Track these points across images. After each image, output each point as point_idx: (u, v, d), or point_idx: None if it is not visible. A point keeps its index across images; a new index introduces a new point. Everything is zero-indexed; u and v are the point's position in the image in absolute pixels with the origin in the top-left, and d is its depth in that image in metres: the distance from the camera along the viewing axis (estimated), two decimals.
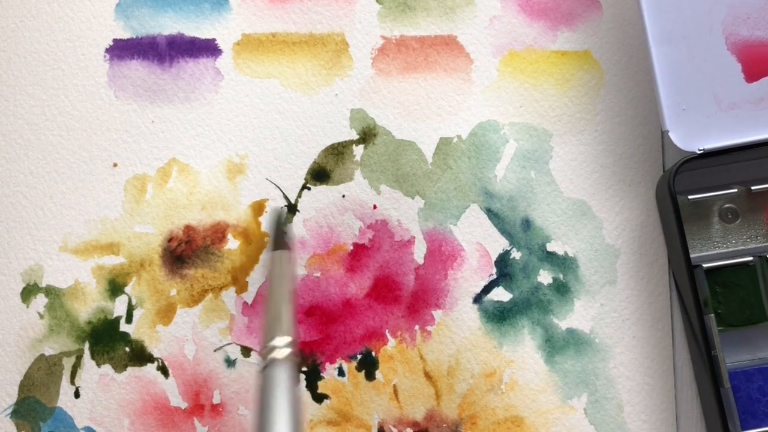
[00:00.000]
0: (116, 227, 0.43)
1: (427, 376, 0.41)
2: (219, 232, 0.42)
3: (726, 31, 0.39)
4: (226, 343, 0.42)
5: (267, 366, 0.34)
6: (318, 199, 0.43)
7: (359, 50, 0.44)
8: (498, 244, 0.42)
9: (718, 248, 0.41)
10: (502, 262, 0.42)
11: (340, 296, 0.42)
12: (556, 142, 0.43)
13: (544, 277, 0.42)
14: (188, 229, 0.42)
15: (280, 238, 0.40)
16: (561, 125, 0.43)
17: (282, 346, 0.34)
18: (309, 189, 0.43)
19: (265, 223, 0.42)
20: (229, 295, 0.42)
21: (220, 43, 0.44)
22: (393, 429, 0.41)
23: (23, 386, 0.42)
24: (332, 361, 0.41)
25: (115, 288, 0.42)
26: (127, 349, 0.42)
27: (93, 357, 0.42)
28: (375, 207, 0.42)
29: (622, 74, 0.43)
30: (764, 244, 0.41)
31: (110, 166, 0.43)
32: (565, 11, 0.44)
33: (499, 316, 0.42)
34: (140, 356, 0.42)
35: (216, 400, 0.41)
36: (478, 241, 0.42)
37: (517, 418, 0.41)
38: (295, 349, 0.35)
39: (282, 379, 0.33)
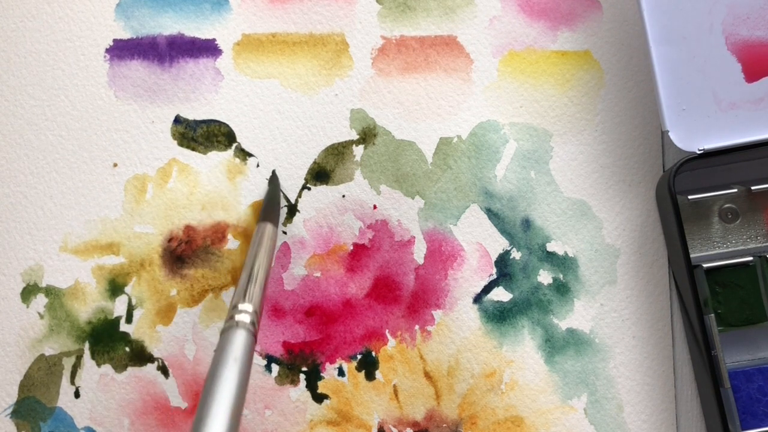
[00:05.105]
0: (116, 227, 0.43)
1: (427, 376, 0.41)
2: (219, 232, 0.42)
3: (726, 31, 0.39)
4: None
5: (227, 328, 0.35)
6: (318, 199, 0.43)
7: (359, 50, 0.44)
8: (498, 244, 0.42)
9: (718, 248, 0.41)
10: (502, 262, 0.42)
11: (340, 296, 0.42)
12: (556, 142, 0.43)
13: (544, 277, 0.42)
14: (188, 229, 0.42)
15: (275, 211, 0.41)
16: (561, 125, 0.43)
17: (247, 311, 0.36)
18: (309, 189, 0.43)
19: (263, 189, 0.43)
20: (229, 295, 0.42)
21: (220, 43, 0.44)
22: (393, 429, 0.41)
23: (23, 386, 0.42)
24: (332, 361, 0.41)
25: (115, 288, 0.42)
26: (127, 349, 0.42)
27: (93, 357, 0.42)
28: (375, 207, 0.42)
29: (622, 74, 0.43)
30: (764, 244, 0.41)
31: (110, 166, 0.43)
32: (565, 11, 0.44)
33: (499, 316, 0.42)
34: (140, 356, 0.42)
35: None
36: (478, 241, 0.42)
37: (517, 418, 0.41)
38: (257, 322, 0.36)
39: (238, 344, 0.34)
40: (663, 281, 0.42)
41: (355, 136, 0.43)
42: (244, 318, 0.35)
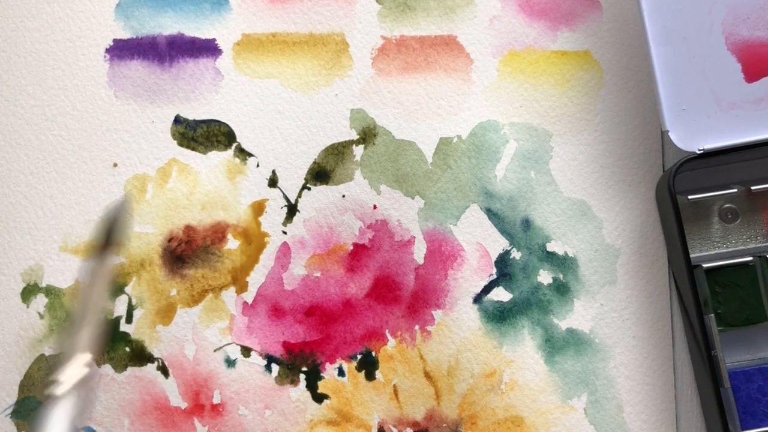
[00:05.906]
0: None
1: (427, 376, 0.41)
2: (219, 232, 0.42)
3: (726, 31, 0.39)
4: (226, 343, 0.42)
5: (43, 404, 0.32)
6: (318, 199, 0.43)
7: (359, 50, 0.44)
8: (498, 244, 0.42)
9: (718, 248, 0.41)
10: (502, 262, 0.42)
11: (340, 296, 0.42)
12: (556, 142, 0.43)
13: (544, 277, 0.42)
14: (188, 229, 0.42)
15: (110, 244, 0.37)
16: (561, 125, 0.43)
17: (64, 379, 0.33)
18: (309, 189, 0.43)
19: (113, 223, 0.39)
20: (229, 295, 0.42)
21: (220, 43, 0.44)
22: (393, 429, 0.41)
23: (23, 386, 0.42)
24: (332, 361, 0.41)
25: (115, 288, 0.42)
26: (127, 349, 0.42)
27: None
28: (375, 207, 0.42)
29: (622, 74, 0.43)
30: (764, 244, 0.41)
31: (110, 166, 0.43)
32: (565, 11, 0.44)
33: (499, 316, 0.42)
34: (140, 356, 0.42)
35: (216, 400, 0.41)
36: (478, 241, 0.42)
37: (517, 418, 0.41)
38: (92, 367, 0.34)
39: (56, 418, 0.32)
40: (663, 281, 0.42)
41: (355, 136, 0.43)
42: (61, 388, 0.32)
